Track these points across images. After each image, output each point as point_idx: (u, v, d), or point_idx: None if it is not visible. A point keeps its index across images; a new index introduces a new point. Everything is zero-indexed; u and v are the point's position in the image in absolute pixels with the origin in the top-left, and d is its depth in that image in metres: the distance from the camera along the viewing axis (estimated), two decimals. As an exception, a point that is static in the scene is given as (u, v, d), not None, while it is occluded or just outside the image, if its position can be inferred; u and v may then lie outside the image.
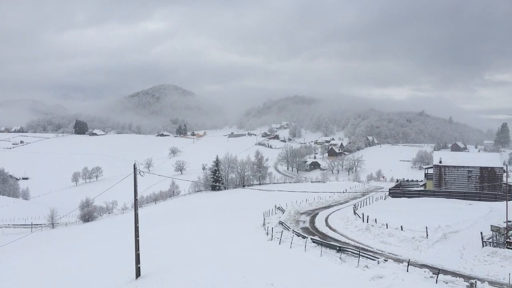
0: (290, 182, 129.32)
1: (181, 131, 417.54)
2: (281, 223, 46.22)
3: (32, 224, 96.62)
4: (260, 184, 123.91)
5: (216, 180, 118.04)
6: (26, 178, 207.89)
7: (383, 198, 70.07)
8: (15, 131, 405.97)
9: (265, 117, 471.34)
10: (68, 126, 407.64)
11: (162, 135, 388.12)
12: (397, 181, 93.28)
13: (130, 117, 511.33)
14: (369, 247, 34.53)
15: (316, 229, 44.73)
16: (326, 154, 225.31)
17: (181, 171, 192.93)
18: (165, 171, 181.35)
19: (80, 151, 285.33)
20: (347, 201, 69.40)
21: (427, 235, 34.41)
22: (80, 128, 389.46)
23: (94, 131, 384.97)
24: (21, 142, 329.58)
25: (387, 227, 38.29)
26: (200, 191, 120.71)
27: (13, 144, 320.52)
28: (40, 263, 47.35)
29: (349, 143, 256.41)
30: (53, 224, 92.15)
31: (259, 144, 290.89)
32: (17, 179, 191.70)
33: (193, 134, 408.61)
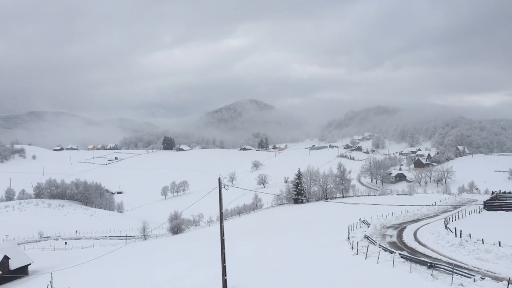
0: (374, 195, 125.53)
1: (262, 145, 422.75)
2: (366, 237, 44.94)
3: (126, 236, 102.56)
4: (343, 196, 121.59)
5: (298, 193, 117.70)
6: (121, 192, 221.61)
7: (477, 212, 65.58)
8: (110, 148, 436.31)
9: (346, 129, 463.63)
10: (157, 143, 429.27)
11: (245, 149, 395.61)
12: (493, 193, 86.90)
13: (213, 132, 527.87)
14: (463, 263, 32.36)
15: (404, 244, 42.87)
16: (412, 166, 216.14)
17: (263, 184, 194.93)
18: (248, 185, 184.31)
19: (168, 166, 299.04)
20: (437, 215, 65.84)
21: (529, 252, 31.65)
22: (168, 144, 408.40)
23: (181, 147, 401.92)
24: (116, 158, 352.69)
25: (483, 243, 35.70)
26: (283, 204, 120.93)
27: (108, 160, 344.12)
28: (132, 274, 50.01)
29: (437, 153, 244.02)
30: (145, 236, 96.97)
31: (341, 156, 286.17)
32: (112, 193, 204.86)
33: (274, 148, 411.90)
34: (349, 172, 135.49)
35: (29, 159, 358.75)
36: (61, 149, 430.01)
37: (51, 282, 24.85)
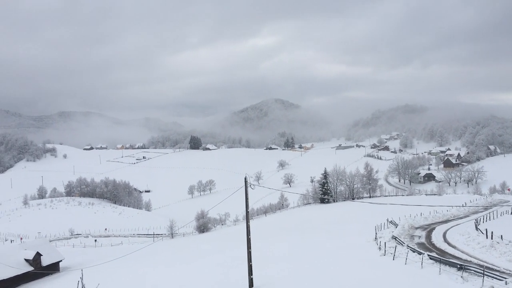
0: (402, 195, 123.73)
1: (288, 144, 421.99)
2: (394, 237, 44.37)
3: (154, 234, 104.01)
4: (370, 196, 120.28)
5: (324, 193, 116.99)
6: (148, 191, 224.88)
7: (510, 213, 63.86)
8: (138, 148, 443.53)
9: (373, 128, 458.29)
10: (184, 142, 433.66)
11: (271, 148, 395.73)
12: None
13: (239, 132, 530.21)
14: (494, 265, 31.61)
15: (433, 245, 42.13)
16: (442, 165, 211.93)
17: (289, 183, 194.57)
18: (274, 184, 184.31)
19: (195, 165, 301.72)
20: (467, 216, 64.43)
21: None
22: (195, 143, 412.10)
23: (207, 146, 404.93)
24: (144, 157, 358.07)
25: (515, 245, 34.83)
26: (309, 203, 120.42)
27: (136, 159, 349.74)
28: (160, 272, 50.69)
29: (468, 153, 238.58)
30: (172, 234, 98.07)
31: (368, 155, 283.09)
32: (140, 192, 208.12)
33: (300, 147, 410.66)
34: (376, 171, 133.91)
35: (60, 158, 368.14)
36: (91, 148, 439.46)
37: (81, 278, 25.46)
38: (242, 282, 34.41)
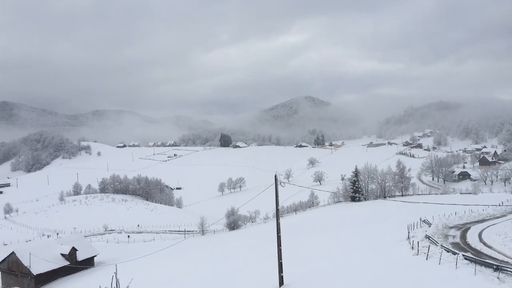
0: (436, 194, 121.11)
1: (319, 142, 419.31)
2: (427, 237, 43.50)
3: (185, 231, 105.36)
4: (402, 195, 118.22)
5: (355, 191, 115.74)
6: (180, 188, 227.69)
7: (550, 213, 61.61)
8: (169, 145, 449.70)
9: (406, 125, 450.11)
10: (214, 140, 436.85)
11: (301, 146, 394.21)
12: None
13: (268, 130, 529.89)
14: (533, 267, 30.60)
15: (468, 245, 41.10)
16: (477, 163, 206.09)
17: (319, 181, 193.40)
18: (304, 182, 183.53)
19: (225, 163, 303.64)
20: (504, 215, 62.46)
21: None
22: (225, 141, 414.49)
23: (237, 144, 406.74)
24: (175, 155, 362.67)
25: (556, 246, 33.60)
26: (340, 201, 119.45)
27: (168, 157, 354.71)
28: (192, 268, 51.34)
29: (505, 150, 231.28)
30: (203, 231, 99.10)
31: (400, 153, 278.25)
32: (171, 189, 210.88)
33: (331, 145, 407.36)
34: (409, 170, 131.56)
35: (94, 156, 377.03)
36: (124, 146, 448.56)
37: (115, 273, 26.02)
38: (272, 280, 34.47)
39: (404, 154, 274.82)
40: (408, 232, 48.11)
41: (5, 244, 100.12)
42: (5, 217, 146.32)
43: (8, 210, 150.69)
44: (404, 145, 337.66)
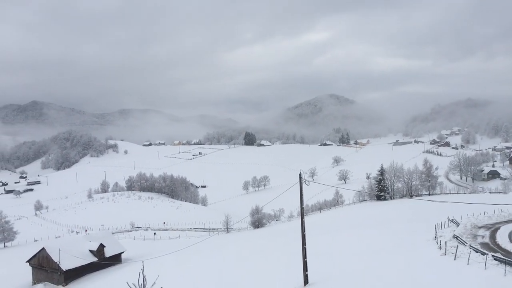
0: (464, 193, 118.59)
1: (343, 140, 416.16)
2: (455, 237, 42.70)
3: (210, 229, 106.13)
4: (429, 194, 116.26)
5: (381, 190, 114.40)
6: (204, 186, 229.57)
7: None
8: (194, 144, 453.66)
9: (433, 123, 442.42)
10: (239, 138, 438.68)
11: (325, 144, 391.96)
12: None
13: (293, 128, 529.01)
14: None
15: (498, 245, 40.14)
16: (507, 162, 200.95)
17: (344, 180, 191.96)
18: (328, 180, 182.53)
19: (250, 161, 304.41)
20: (536, 215, 60.76)
21: None
22: (249, 139, 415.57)
23: (262, 142, 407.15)
24: (200, 153, 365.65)
25: None
26: (365, 200, 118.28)
27: (193, 155, 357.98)
28: (217, 265, 51.70)
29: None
30: (227, 229, 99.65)
31: (427, 152, 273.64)
32: (196, 187, 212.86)
33: (356, 143, 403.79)
34: (436, 168, 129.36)
35: (121, 154, 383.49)
36: (150, 144, 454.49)
37: (142, 270, 26.39)
38: (297, 278, 34.44)
39: (431, 152, 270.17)
40: (436, 232, 47.31)
41: (36, 240, 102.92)
42: (36, 214, 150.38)
43: (38, 207, 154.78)
44: (431, 143, 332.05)
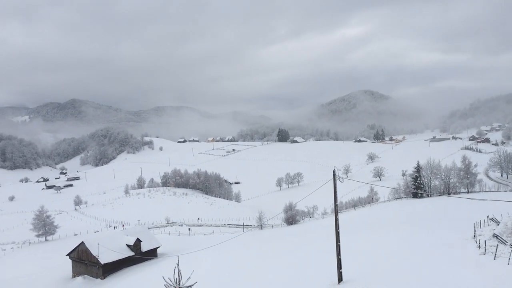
0: (505, 191, 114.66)
1: (378, 137, 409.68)
2: (495, 236, 41.44)
3: (243, 225, 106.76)
4: (468, 192, 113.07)
5: (417, 187, 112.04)
6: (238, 183, 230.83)
7: None
8: (228, 140, 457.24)
9: (472, 119, 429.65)
10: (272, 135, 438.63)
11: (359, 141, 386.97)
12: None
13: (326, 124, 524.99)
14: None
15: (541, 246, 38.70)
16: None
17: (379, 177, 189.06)
18: (363, 177, 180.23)
19: (283, 158, 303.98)
20: None
21: None
22: (282, 136, 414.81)
23: (295, 139, 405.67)
24: (233, 150, 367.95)
25: None
26: (400, 198, 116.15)
27: (226, 152, 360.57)
28: (251, 261, 52.00)
29: None
30: (261, 225, 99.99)
31: (466, 148, 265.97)
32: (230, 183, 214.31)
33: (391, 139, 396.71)
34: (475, 165, 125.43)
35: (156, 150, 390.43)
36: (184, 141, 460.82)
37: (177, 264, 26.95)
38: (331, 276, 34.29)
39: (470, 149, 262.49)
40: (475, 231, 46.07)
41: (75, 234, 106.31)
42: (75, 209, 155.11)
43: (78, 202, 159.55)
44: (470, 139, 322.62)
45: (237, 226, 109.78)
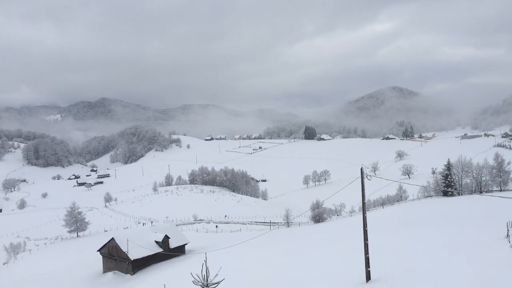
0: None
1: (407, 134, 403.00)
2: (529, 236, 40.28)
3: (270, 222, 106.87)
4: (501, 190, 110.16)
5: (448, 185, 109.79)
6: (265, 180, 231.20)
7: None
8: (254, 138, 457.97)
9: (505, 116, 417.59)
10: (299, 132, 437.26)
11: (388, 138, 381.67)
12: None
13: (353, 122, 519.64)
14: None
15: None
16: None
17: (408, 175, 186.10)
18: (391, 175, 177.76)
19: (310, 155, 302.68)
20: None
21: None
22: (309, 133, 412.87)
23: (322, 136, 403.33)
24: (260, 147, 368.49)
25: None
26: (430, 196, 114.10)
27: (253, 149, 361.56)
28: (278, 258, 52.02)
29: None
30: (288, 223, 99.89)
31: (499, 145, 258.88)
32: (257, 181, 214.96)
33: (420, 137, 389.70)
34: (508, 163, 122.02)
35: (184, 148, 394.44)
36: (211, 139, 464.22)
37: (205, 261, 27.20)
38: (359, 274, 34.00)
39: (503, 146, 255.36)
40: (507, 230, 44.85)
41: (106, 231, 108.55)
42: (106, 206, 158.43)
43: (108, 199, 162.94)
44: (503, 136, 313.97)
45: (264, 223, 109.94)
